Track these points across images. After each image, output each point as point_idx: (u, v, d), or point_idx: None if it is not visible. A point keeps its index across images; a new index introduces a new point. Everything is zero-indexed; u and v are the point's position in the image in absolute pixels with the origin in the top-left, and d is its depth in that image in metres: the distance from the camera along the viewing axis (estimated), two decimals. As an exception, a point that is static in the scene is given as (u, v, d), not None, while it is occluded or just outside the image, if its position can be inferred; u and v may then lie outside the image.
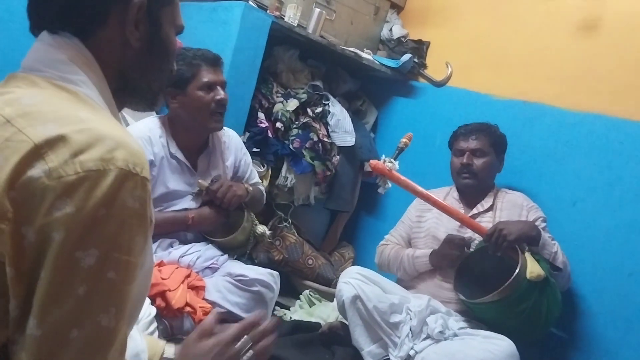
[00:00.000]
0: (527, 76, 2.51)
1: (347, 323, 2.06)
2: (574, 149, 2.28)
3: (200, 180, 1.96)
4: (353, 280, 2.01)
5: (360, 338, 1.98)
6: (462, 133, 2.29)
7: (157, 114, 2.25)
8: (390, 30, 3.07)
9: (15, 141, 0.62)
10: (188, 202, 1.98)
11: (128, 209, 0.63)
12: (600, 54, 2.27)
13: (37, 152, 0.61)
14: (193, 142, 2.00)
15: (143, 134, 1.91)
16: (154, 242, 1.90)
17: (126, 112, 2.33)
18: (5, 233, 0.60)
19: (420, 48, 3.00)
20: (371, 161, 2.15)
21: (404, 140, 2.13)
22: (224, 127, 2.11)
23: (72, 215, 0.59)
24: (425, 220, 2.31)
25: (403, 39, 3.03)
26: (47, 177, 0.60)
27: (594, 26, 2.31)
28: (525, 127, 2.45)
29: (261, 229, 2.12)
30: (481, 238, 2.06)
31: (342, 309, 2.04)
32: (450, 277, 2.10)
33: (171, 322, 1.75)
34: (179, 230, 1.96)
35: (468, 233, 2.16)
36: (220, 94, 1.91)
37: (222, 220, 2.02)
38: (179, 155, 1.96)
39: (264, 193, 2.26)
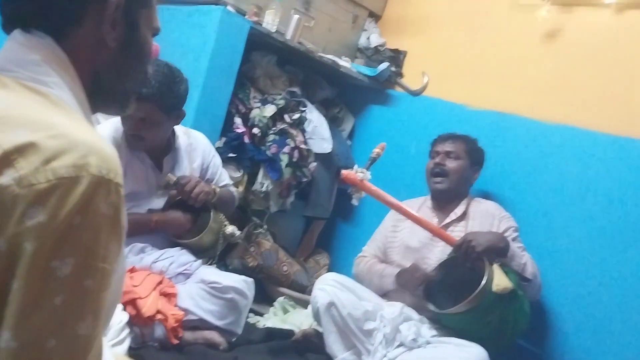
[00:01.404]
0: (501, 87, 2.56)
1: (321, 330, 2.05)
2: (547, 159, 2.33)
3: (169, 174, 1.95)
4: (328, 287, 2.01)
5: (334, 345, 1.98)
6: (440, 137, 2.35)
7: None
8: (368, 38, 3.10)
9: None
10: (152, 203, 1.96)
11: (102, 215, 0.61)
12: (571, 67, 2.33)
13: (7, 159, 0.59)
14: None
15: (108, 134, 1.90)
16: (125, 246, 1.88)
17: (100, 115, 2.29)
18: None
19: (397, 57, 3.02)
20: (343, 171, 2.16)
21: (377, 150, 2.14)
22: (191, 130, 2.09)
23: (45, 224, 0.58)
24: (400, 230, 2.33)
25: (380, 48, 3.06)
26: (18, 185, 0.58)
27: (567, 39, 2.37)
28: (499, 137, 2.49)
29: (230, 229, 2.10)
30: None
31: (316, 315, 2.04)
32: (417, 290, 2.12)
33: (142, 330, 1.73)
34: (141, 233, 1.93)
35: (439, 245, 2.18)
36: (127, 123, 1.85)
37: (186, 225, 2.00)
38: (143, 156, 1.95)
39: (235, 196, 2.25)
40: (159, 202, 1.98)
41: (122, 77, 0.81)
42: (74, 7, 0.73)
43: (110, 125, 1.94)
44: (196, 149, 2.09)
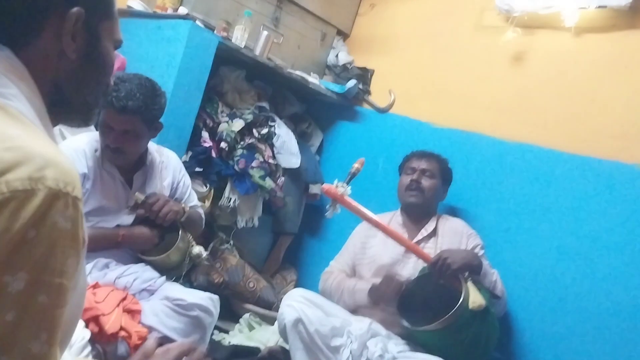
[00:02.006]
0: (465, 106, 2.62)
1: (287, 348, 2.03)
2: (509, 177, 2.39)
3: (137, 193, 1.92)
4: (296, 303, 2.00)
5: (301, 362, 1.97)
6: (415, 155, 2.38)
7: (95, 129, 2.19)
8: (337, 56, 3.14)
9: None
10: (120, 218, 1.93)
11: (59, 230, 0.60)
12: (533, 88, 2.40)
13: None
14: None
15: (78, 146, 1.87)
16: (89, 262, 1.84)
17: (64, 128, 2.25)
18: None
19: (365, 75, 3.07)
20: (324, 185, 2.16)
21: (356, 165, 2.15)
22: (162, 147, 2.08)
23: None
24: (370, 247, 2.34)
25: (348, 66, 3.10)
26: None
27: (529, 61, 2.45)
28: (463, 154, 2.55)
29: (197, 249, 2.08)
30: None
31: (283, 332, 2.02)
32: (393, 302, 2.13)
33: (105, 347, 1.68)
34: (108, 247, 1.89)
35: (411, 261, 2.20)
36: (110, 137, 1.82)
37: (154, 241, 1.98)
38: (113, 171, 1.92)
39: (203, 217, 2.22)
40: (128, 219, 1.94)
41: (82, 89, 0.80)
42: (34, 19, 0.72)
43: (84, 138, 1.91)
44: (167, 167, 2.07)
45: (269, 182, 2.67)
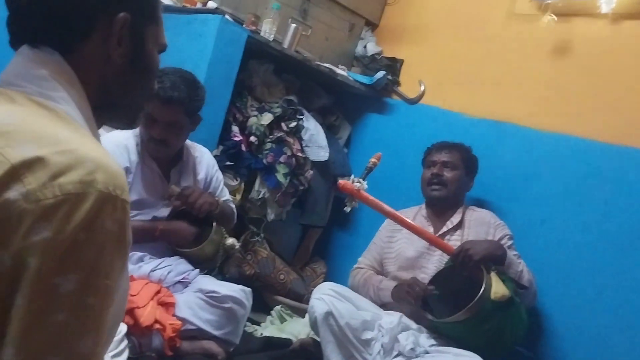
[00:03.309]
0: (498, 96, 2.57)
1: (319, 340, 2.04)
2: (543, 168, 2.34)
3: (173, 186, 1.95)
4: (326, 296, 2.00)
5: (332, 355, 1.97)
6: (435, 147, 2.35)
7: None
8: (365, 47, 3.11)
9: None
10: (158, 211, 1.97)
11: (108, 232, 0.61)
12: (569, 77, 2.34)
13: (15, 173, 0.59)
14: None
15: (120, 141, 1.92)
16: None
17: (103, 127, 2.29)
18: None
19: (394, 65, 3.03)
20: (340, 181, 2.16)
21: (373, 160, 2.14)
22: (196, 144, 2.11)
23: (50, 240, 0.57)
24: (396, 241, 2.32)
25: (377, 56, 3.07)
26: (25, 200, 0.58)
27: (564, 49, 2.39)
28: (496, 145, 2.50)
29: (230, 241, 2.11)
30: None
31: (314, 325, 2.03)
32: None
33: (140, 340, 1.72)
34: (146, 240, 1.93)
35: (436, 254, 2.18)
36: (155, 130, 1.86)
37: (190, 236, 2.00)
38: (153, 165, 1.96)
39: (235, 211, 2.25)
40: (164, 211, 1.99)
41: (128, 92, 0.82)
42: (82, 24, 0.74)
43: (124, 133, 1.96)
44: (201, 162, 2.11)
45: (287, 182, 2.66)
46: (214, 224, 2.02)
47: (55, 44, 0.73)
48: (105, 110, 0.80)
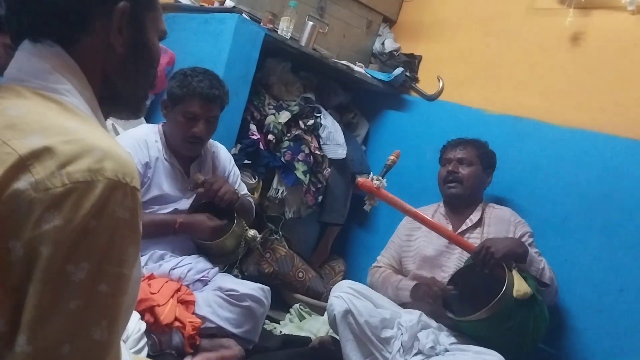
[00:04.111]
0: (518, 91, 2.53)
1: (338, 338, 2.04)
2: (564, 164, 2.30)
3: (197, 174, 1.99)
4: (344, 294, 2.00)
5: (352, 353, 1.97)
6: (450, 144, 2.33)
7: (147, 121, 2.26)
8: (383, 43, 3.09)
9: (0, 153, 0.60)
10: (179, 205, 1.99)
11: (118, 219, 0.62)
12: (590, 71, 2.30)
13: (23, 164, 0.59)
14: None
15: (139, 137, 1.96)
16: (144, 253, 1.90)
17: (117, 123, 2.32)
18: None
19: (412, 62, 3.01)
20: (359, 179, 2.15)
21: (392, 157, 2.13)
22: (211, 140, 2.12)
23: (60, 228, 0.58)
24: (415, 239, 2.31)
25: (395, 53, 3.05)
26: (34, 190, 0.58)
27: (584, 43, 2.34)
28: (516, 142, 2.47)
29: (252, 233, 2.12)
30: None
31: (333, 323, 2.02)
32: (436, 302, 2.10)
33: (160, 337, 1.73)
34: (164, 234, 1.94)
35: (456, 252, 2.16)
36: (199, 127, 1.91)
37: (209, 229, 2.00)
38: (173, 160, 1.99)
39: (253, 206, 2.26)
40: (185, 204, 2.01)
41: (131, 81, 0.82)
42: (81, 16, 0.74)
43: (143, 129, 2.01)
44: (218, 157, 2.13)
45: (307, 179, 2.66)
46: (236, 216, 2.03)
47: (56, 36, 0.74)
48: (110, 101, 0.81)
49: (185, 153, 2.00)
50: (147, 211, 1.90)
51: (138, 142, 1.93)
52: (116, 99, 0.81)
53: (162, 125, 2.04)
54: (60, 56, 0.73)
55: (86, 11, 0.74)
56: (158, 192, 1.94)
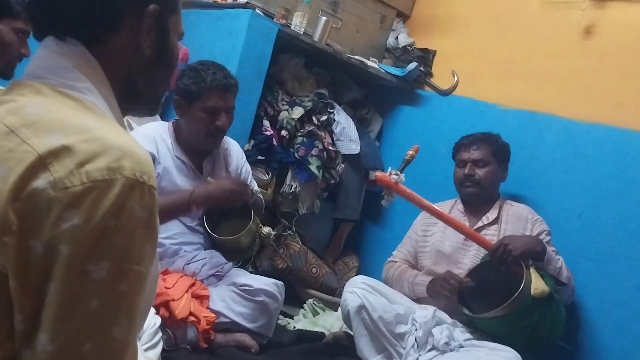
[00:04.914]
0: (533, 86, 2.50)
1: (351, 333, 2.04)
2: (581, 159, 2.27)
3: (209, 178, 1.98)
4: (358, 289, 2.00)
5: (365, 348, 1.97)
6: (463, 144, 2.29)
7: (161, 118, 2.27)
8: (396, 38, 3.07)
9: (19, 152, 0.61)
10: None
11: (137, 218, 0.62)
12: (606, 64, 2.26)
13: (42, 162, 0.60)
14: (196, 147, 2.02)
15: (148, 133, 1.96)
16: (159, 249, 1.90)
17: (132, 119, 2.33)
18: (9, 246, 0.58)
19: (426, 57, 2.99)
20: (377, 173, 2.13)
21: (410, 152, 2.11)
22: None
23: (80, 227, 0.58)
24: (431, 235, 2.30)
25: (409, 48, 3.03)
26: (53, 188, 0.58)
27: (600, 36, 2.31)
28: (532, 137, 2.44)
29: (267, 229, 2.13)
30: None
31: (347, 318, 2.03)
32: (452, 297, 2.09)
33: (175, 332, 1.75)
34: (179, 214, 1.85)
35: (472, 249, 2.14)
36: (221, 119, 1.92)
37: (224, 201, 1.87)
38: (184, 158, 1.99)
39: (263, 203, 2.25)
40: None
41: (154, 82, 0.83)
42: (115, 17, 0.75)
43: (152, 126, 2.01)
44: (231, 154, 2.13)
45: (321, 174, 2.66)
46: (252, 212, 2.03)
47: (83, 36, 0.74)
48: (129, 99, 0.81)
49: (207, 148, 2.00)
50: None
51: (146, 138, 1.92)
52: (136, 97, 0.82)
53: (173, 123, 2.04)
54: (82, 55, 0.73)
55: (121, 13, 0.75)
56: (171, 187, 1.91)
